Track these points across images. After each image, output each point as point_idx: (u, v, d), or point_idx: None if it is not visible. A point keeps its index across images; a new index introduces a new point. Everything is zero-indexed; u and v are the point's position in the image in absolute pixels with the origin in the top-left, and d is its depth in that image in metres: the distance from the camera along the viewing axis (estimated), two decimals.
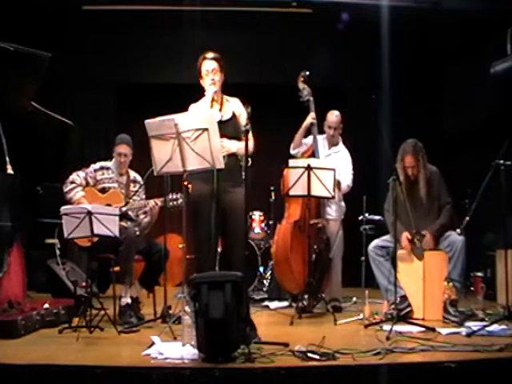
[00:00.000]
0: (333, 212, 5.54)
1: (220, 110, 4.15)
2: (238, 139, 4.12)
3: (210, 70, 4.13)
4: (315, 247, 5.24)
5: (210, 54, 4.15)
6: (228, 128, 4.09)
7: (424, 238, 4.95)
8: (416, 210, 5.02)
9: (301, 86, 5.57)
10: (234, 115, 4.17)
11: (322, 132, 5.67)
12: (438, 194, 5.06)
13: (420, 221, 5.00)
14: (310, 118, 5.51)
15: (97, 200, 4.87)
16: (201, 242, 4.02)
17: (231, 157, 4.07)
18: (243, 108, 4.11)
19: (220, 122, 3.98)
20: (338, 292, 5.57)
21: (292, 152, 5.61)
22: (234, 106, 4.20)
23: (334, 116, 5.60)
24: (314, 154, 5.45)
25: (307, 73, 5.58)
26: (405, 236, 4.98)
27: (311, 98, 5.55)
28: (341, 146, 5.71)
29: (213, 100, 4.10)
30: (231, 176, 4.04)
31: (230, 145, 4.07)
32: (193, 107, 4.23)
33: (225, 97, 4.24)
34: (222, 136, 3.93)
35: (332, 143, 5.66)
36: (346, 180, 5.53)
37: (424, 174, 5.03)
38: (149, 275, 4.93)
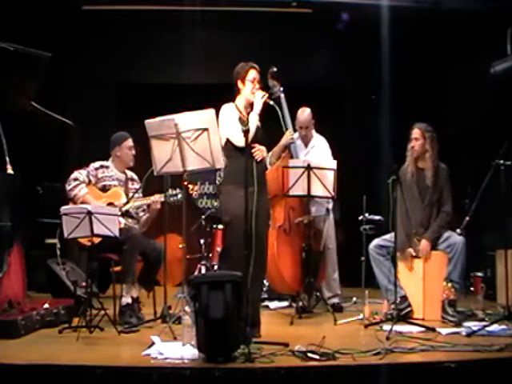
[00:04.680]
0: (316, 210, 5.48)
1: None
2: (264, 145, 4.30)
3: (257, 79, 4.26)
4: (303, 245, 5.20)
5: (257, 66, 4.30)
6: (259, 135, 4.21)
7: (418, 242, 4.96)
8: (423, 198, 5.02)
9: (270, 82, 5.44)
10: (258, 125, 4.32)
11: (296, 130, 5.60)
12: (442, 188, 5.02)
13: (426, 211, 4.99)
14: (289, 136, 5.36)
15: (98, 198, 4.87)
16: (237, 247, 4.03)
17: (261, 162, 4.21)
18: None
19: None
20: (337, 287, 5.55)
21: (268, 166, 5.53)
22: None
23: (304, 115, 5.53)
24: (292, 156, 5.38)
25: (275, 69, 5.50)
26: (409, 253, 4.97)
27: (282, 95, 5.42)
28: (316, 139, 5.64)
29: (264, 104, 4.18)
30: (261, 180, 4.17)
31: (264, 149, 4.21)
32: (227, 108, 4.24)
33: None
34: (254, 142, 4.13)
35: (306, 141, 5.61)
36: None
37: (431, 157, 4.99)
38: (147, 274, 4.92)
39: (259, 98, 4.18)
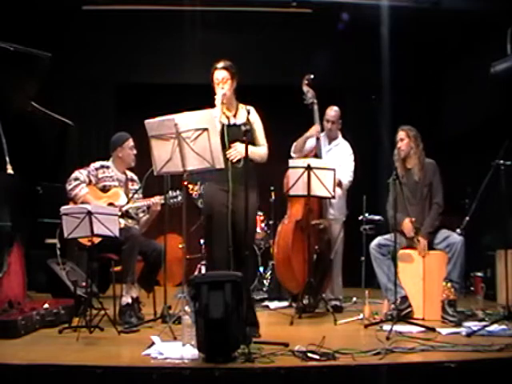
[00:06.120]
0: (335, 211, 5.53)
1: (235, 115, 4.26)
2: (252, 144, 4.22)
3: (219, 79, 4.23)
4: (316, 247, 5.24)
5: (220, 64, 4.25)
6: (241, 132, 4.14)
7: (419, 242, 4.96)
8: (414, 195, 5.06)
9: (305, 88, 5.56)
10: (248, 121, 4.23)
11: (323, 130, 5.66)
12: (430, 181, 5.06)
13: (419, 206, 5.03)
14: (315, 130, 5.46)
15: (99, 199, 4.87)
16: (215, 244, 4.13)
17: (245, 160, 4.12)
18: (257, 116, 4.34)
19: (233, 126, 4.18)
20: (339, 292, 5.59)
21: (292, 155, 5.60)
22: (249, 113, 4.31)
23: (332, 111, 5.61)
24: (316, 155, 5.45)
25: (312, 76, 5.58)
26: (408, 222, 4.98)
27: (315, 101, 5.53)
28: (340, 139, 5.70)
29: (222, 103, 4.16)
30: (243, 179, 4.05)
31: (242, 148, 4.11)
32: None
33: (240, 104, 4.34)
34: (235, 140, 4.14)
35: (331, 137, 5.66)
36: (347, 175, 5.50)
37: (416, 153, 5.06)
38: (147, 275, 4.92)
39: (218, 98, 4.17)
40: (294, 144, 5.59)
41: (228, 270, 3.96)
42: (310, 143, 5.57)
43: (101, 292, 5.58)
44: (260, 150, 4.29)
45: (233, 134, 4.16)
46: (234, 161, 4.12)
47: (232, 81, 4.24)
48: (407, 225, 5.00)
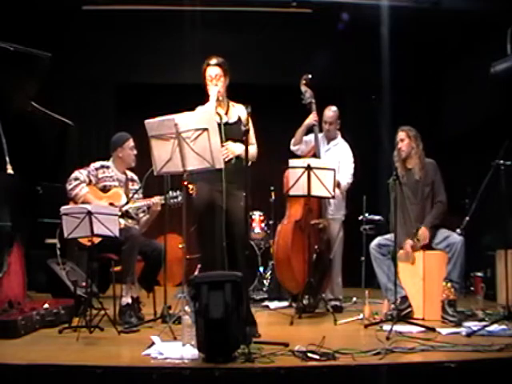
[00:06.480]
0: (333, 210, 5.53)
1: (226, 113, 4.26)
2: (243, 142, 4.15)
3: (213, 76, 4.21)
4: (316, 247, 5.25)
5: (213, 60, 4.22)
6: (233, 131, 4.16)
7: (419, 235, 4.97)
8: (415, 195, 5.06)
9: (303, 88, 5.58)
10: (239, 119, 4.23)
11: (322, 131, 5.67)
12: (432, 181, 5.05)
13: (420, 206, 5.03)
14: (312, 118, 5.52)
15: (99, 199, 4.87)
16: (209, 243, 4.12)
17: (237, 159, 4.13)
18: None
19: (226, 125, 4.16)
20: (339, 292, 5.59)
21: (292, 148, 5.62)
22: (240, 111, 4.27)
23: (330, 111, 5.62)
24: (315, 154, 5.45)
25: (309, 76, 5.59)
26: (408, 246, 4.98)
27: (313, 101, 5.56)
28: (339, 140, 5.70)
29: (217, 100, 4.15)
30: (236, 178, 4.07)
31: (234, 147, 4.12)
32: (199, 109, 4.26)
33: (231, 102, 4.33)
34: (227, 139, 4.11)
35: (330, 138, 5.66)
36: (346, 177, 5.50)
37: (417, 153, 5.07)
38: (147, 274, 4.92)
39: (213, 94, 4.15)
40: (294, 137, 5.60)
41: (222, 270, 3.95)
42: (309, 143, 5.57)
43: (101, 292, 5.58)
44: (251, 149, 4.24)
45: (228, 132, 4.14)
46: (226, 160, 4.06)
47: (225, 78, 4.23)
48: (406, 250, 4.99)
